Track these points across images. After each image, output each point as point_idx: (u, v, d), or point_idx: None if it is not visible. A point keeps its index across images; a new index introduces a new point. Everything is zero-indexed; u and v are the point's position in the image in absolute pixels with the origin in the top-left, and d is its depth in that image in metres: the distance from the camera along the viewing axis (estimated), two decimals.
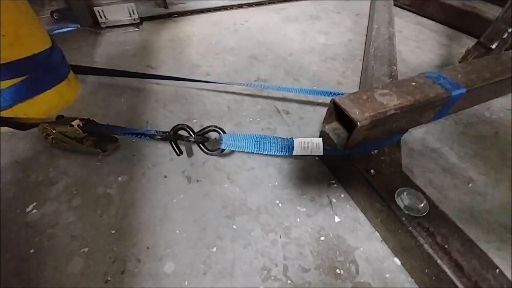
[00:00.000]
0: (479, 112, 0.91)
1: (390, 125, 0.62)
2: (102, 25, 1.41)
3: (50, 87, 0.84)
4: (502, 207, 0.65)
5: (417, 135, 0.82)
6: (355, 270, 0.54)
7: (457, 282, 0.43)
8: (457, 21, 1.45)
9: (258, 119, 0.87)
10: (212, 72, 1.10)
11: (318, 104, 0.94)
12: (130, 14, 1.43)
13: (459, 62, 1.09)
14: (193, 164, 0.73)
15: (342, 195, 0.66)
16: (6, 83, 0.73)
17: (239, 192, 0.67)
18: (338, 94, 0.77)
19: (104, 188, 0.67)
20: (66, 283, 0.51)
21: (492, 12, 1.31)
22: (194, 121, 0.86)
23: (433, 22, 1.55)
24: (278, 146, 0.64)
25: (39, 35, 0.81)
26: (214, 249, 0.56)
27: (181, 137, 0.67)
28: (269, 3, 1.77)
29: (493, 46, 0.95)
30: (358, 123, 0.54)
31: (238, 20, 1.54)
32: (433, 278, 0.47)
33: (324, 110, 0.80)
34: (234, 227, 0.60)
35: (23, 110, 0.79)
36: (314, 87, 1.02)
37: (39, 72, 0.79)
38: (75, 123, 0.68)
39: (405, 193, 0.53)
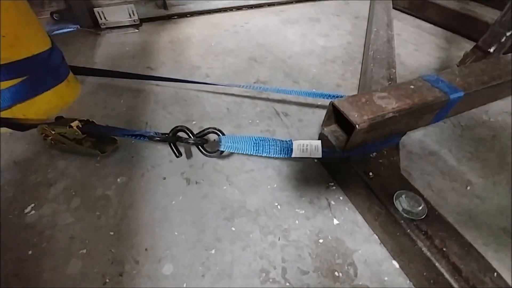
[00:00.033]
0: (477, 115, 0.92)
1: (388, 128, 0.62)
2: (102, 26, 1.42)
3: (50, 88, 0.84)
4: (500, 210, 0.65)
5: (416, 138, 0.82)
6: (353, 272, 0.54)
7: (455, 285, 0.43)
8: (455, 24, 1.45)
9: (257, 121, 0.88)
10: (212, 73, 1.10)
11: (317, 106, 0.95)
12: (130, 15, 1.43)
13: (457, 66, 1.09)
14: (192, 166, 0.73)
15: (341, 198, 0.67)
16: (6, 84, 0.73)
17: (238, 194, 0.67)
18: (337, 97, 0.77)
19: (103, 190, 0.67)
20: (65, 285, 0.51)
21: (491, 15, 1.32)
22: (194, 122, 0.86)
23: (432, 25, 1.56)
24: (277, 148, 0.64)
25: (39, 36, 0.81)
26: (213, 251, 0.56)
27: (180, 139, 0.67)
28: (269, 5, 1.78)
29: (491, 50, 0.95)
30: (357, 126, 0.54)
31: (238, 22, 1.54)
32: (431, 281, 0.47)
33: (323, 112, 0.80)
34: (233, 229, 0.60)
35: (22, 110, 0.79)
36: (314, 90, 1.03)
37: (39, 73, 0.79)
38: (74, 124, 0.68)
39: (403, 196, 0.53)
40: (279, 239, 0.58)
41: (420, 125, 0.72)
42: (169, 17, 1.58)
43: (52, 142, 0.72)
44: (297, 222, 0.61)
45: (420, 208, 0.51)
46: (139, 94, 0.98)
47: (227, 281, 0.52)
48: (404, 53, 1.28)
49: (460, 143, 0.82)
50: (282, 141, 0.65)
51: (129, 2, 1.44)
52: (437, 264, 0.45)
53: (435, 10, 1.53)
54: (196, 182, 0.69)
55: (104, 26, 1.42)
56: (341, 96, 0.75)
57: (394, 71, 0.95)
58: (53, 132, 0.69)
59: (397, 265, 0.55)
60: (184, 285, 0.51)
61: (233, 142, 0.65)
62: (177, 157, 0.68)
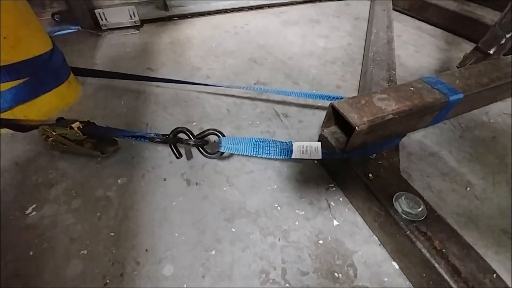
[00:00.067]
0: (477, 117, 0.92)
1: (388, 129, 0.62)
2: (102, 27, 1.42)
3: (51, 89, 0.84)
4: (500, 211, 0.65)
5: (416, 139, 0.82)
6: (353, 273, 0.54)
7: (454, 286, 0.43)
8: (456, 25, 1.46)
9: (258, 122, 0.88)
10: (212, 75, 1.11)
11: (317, 107, 0.95)
12: (131, 17, 1.44)
13: (457, 67, 1.10)
14: (192, 167, 0.73)
15: (341, 199, 0.67)
16: (7, 85, 0.73)
17: (238, 195, 0.67)
18: (337, 98, 0.78)
19: (104, 191, 0.67)
20: (65, 285, 0.51)
21: (491, 17, 1.33)
22: (194, 123, 0.87)
23: (432, 26, 1.57)
24: (277, 150, 0.64)
25: (40, 37, 0.81)
26: (213, 252, 0.56)
27: (181, 140, 0.67)
28: (269, 7, 1.78)
29: (491, 52, 0.96)
30: (357, 127, 0.54)
31: (238, 23, 1.55)
32: (431, 282, 0.47)
33: (323, 114, 0.80)
34: (233, 230, 0.60)
35: (23, 111, 0.80)
36: (314, 91, 1.03)
37: (40, 74, 0.79)
38: (75, 125, 0.68)
39: (403, 197, 0.53)
40: (279, 240, 0.58)
41: (419, 126, 0.72)
42: (170, 18, 1.58)
43: (53, 143, 0.72)
44: (297, 223, 0.62)
45: (420, 209, 0.51)
46: (139, 95, 0.98)
47: (227, 282, 0.52)
48: (404, 54, 1.28)
49: (460, 144, 0.82)
50: (282, 142, 0.65)
51: (130, 3, 1.44)
52: (436, 265, 0.45)
53: (435, 11, 1.53)
54: (196, 183, 0.69)
55: (105, 27, 1.42)
56: (341, 98, 0.75)
57: (394, 72, 0.96)
58: (54, 133, 0.69)
59: (396, 266, 0.55)
60: (184, 286, 0.51)
61: (233, 144, 0.65)
62: (177, 158, 0.68)
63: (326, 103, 0.91)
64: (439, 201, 0.66)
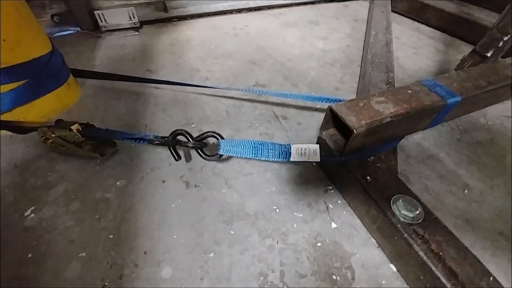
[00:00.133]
0: (475, 119, 0.92)
1: (386, 132, 0.62)
2: (102, 29, 1.42)
3: (50, 91, 0.84)
4: (498, 214, 0.65)
5: (414, 141, 0.83)
6: (351, 276, 0.54)
7: None
8: (454, 27, 1.46)
9: (256, 124, 0.88)
10: (212, 76, 1.11)
11: (316, 109, 0.95)
12: (130, 18, 1.44)
13: (455, 70, 1.10)
14: (191, 169, 0.73)
15: (339, 201, 0.67)
16: (7, 87, 0.73)
17: (237, 198, 0.67)
18: (336, 101, 0.78)
19: (103, 193, 0.67)
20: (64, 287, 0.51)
21: (489, 19, 1.33)
22: (193, 125, 0.87)
23: (431, 28, 1.57)
24: (276, 152, 0.64)
25: (40, 39, 0.82)
26: (212, 254, 0.56)
27: (180, 142, 0.67)
28: (268, 8, 1.79)
29: (489, 54, 0.96)
30: (355, 130, 0.55)
31: (237, 25, 1.55)
32: (428, 285, 0.47)
33: (321, 116, 0.80)
34: (232, 232, 0.60)
35: (23, 113, 0.80)
36: (312, 93, 1.03)
37: (40, 76, 0.80)
38: (74, 127, 0.68)
39: (400, 200, 0.53)
40: (277, 243, 0.59)
41: (417, 129, 0.73)
42: (169, 20, 1.58)
43: (52, 145, 0.72)
44: (295, 225, 0.62)
45: (417, 212, 0.52)
46: (139, 97, 0.98)
47: (226, 284, 0.52)
48: (402, 56, 1.28)
49: (458, 146, 0.82)
50: (281, 145, 0.65)
51: (130, 4, 1.44)
52: (433, 268, 0.45)
53: (434, 13, 1.53)
54: (195, 186, 0.69)
55: (105, 29, 1.43)
56: (340, 100, 0.76)
57: (392, 74, 0.96)
58: (53, 135, 0.69)
59: (394, 269, 0.55)
60: None
61: (232, 146, 0.66)
62: (176, 160, 0.68)
63: (325, 105, 0.90)
64: (437, 204, 0.67)
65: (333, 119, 0.65)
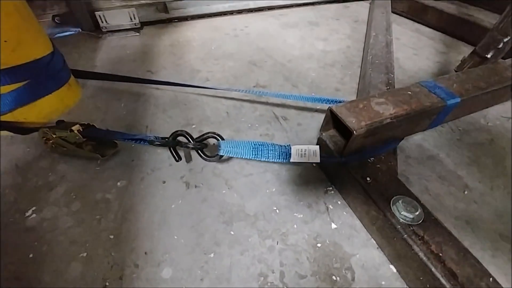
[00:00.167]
0: (476, 120, 0.92)
1: (386, 133, 0.63)
2: (103, 30, 1.43)
3: (51, 91, 0.84)
4: (498, 215, 0.66)
5: (414, 142, 0.83)
6: (351, 277, 0.54)
7: None
8: (454, 28, 1.46)
9: (257, 125, 0.88)
10: (212, 77, 1.11)
11: (316, 110, 0.95)
12: (131, 19, 1.45)
13: (455, 71, 1.10)
14: (191, 170, 0.73)
15: (339, 202, 0.67)
16: (8, 88, 0.74)
17: (237, 198, 0.67)
18: (336, 102, 0.78)
19: (103, 193, 0.67)
20: None
21: (489, 20, 1.33)
22: (193, 126, 0.87)
23: (431, 29, 1.57)
24: (276, 153, 0.65)
25: (41, 40, 0.82)
26: (212, 255, 0.57)
27: (180, 143, 0.67)
28: (269, 9, 1.79)
29: (489, 56, 0.96)
30: (354, 131, 0.55)
31: (238, 26, 1.55)
32: (428, 285, 0.47)
33: (322, 116, 0.81)
34: (232, 233, 0.60)
35: (24, 114, 0.80)
36: (313, 94, 1.04)
37: (41, 77, 0.80)
38: (75, 128, 0.69)
39: (400, 201, 0.53)
40: (277, 243, 0.59)
41: (417, 130, 0.73)
42: (170, 21, 1.59)
43: (53, 145, 0.72)
44: (295, 226, 0.62)
45: (417, 213, 0.52)
46: (139, 98, 0.99)
47: (226, 285, 0.52)
48: (403, 57, 1.29)
49: (458, 147, 0.82)
50: (281, 146, 0.66)
51: (130, 5, 1.45)
52: (433, 269, 0.45)
53: (434, 14, 1.54)
54: (196, 186, 0.70)
55: (105, 30, 1.43)
56: (340, 101, 0.76)
57: (392, 76, 0.96)
58: (54, 136, 0.70)
59: (394, 270, 0.55)
60: None
61: (232, 147, 0.66)
62: (176, 161, 0.68)
63: (325, 106, 0.91)
64: (437, 205, 0.67)
65: (333, 120, 0.65)
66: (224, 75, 1.13)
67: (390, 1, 1.70)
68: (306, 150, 0.63)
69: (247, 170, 0.74)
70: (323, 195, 0.69)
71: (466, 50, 1.33)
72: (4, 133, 0.79)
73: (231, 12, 1.70)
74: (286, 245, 0.58)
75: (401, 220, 0.51)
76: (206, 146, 0.68)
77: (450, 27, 1.48)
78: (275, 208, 0.65)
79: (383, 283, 0.53)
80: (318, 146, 0.64)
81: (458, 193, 0.70)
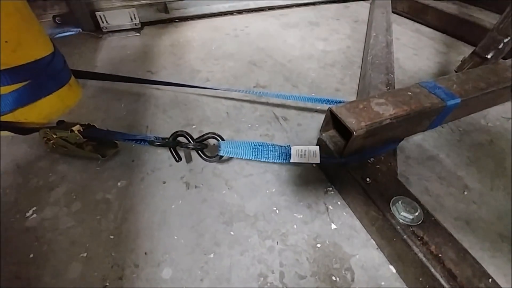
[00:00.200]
0: (476, 120, 0.92)
1: (386, 134, 0.63)
2: (103, 30, 1.43)
3: (52, 92, 0.84)
4: (497, 216, 0.66)
5: (414, 143, 0.83)
6: (350, 277, 0.54)
7: None
8: (455, 28, 1.46)
9: (257, 126, 0.88)
10: (212, 77, 1.11)
11: (316, 110, 0.95)
12: (132, 19, 1.45)
13: (455, 71, 1.10)
14: (191, 170, 0.73)
15: (339, 203, 0.67)
16: (8, 88, 0.74)
17: (237, 199, 0.67)
18: (336, 102, 0.78)
19: (104, 193, 0.67)
20: None
21: (490, 20, 1.33)
22: (193, 126, 0.87)
23: (431, 29, 1.57)
24: (276, 154, 0.65)
25: (42, 41, 0.82)
26: (212, 255, 0.57)
27: (180, 144, 0.67)
28: (269, 9, 1.79)
29: (489, 56, 0.96)
30: (354, 132, 0.55)
31: (238, 26, 1.55)
32: (427, 286, 0.47)
33: (322, 117, 0.81)
34: (232, 233, 0.60)
35: (24, 114, 0.80)
36: (313, 94, 1.04)
37: (41, 77, 0.80)
38: (75, 128, 0.69)
39: (400, 201, 0.54)
40: (277, 244, 0.59)
41: (417, 131, 0.73)
42: (170, 21, 1.59)
43: (54, 146, 0.72)
44: (295, 226, 0.62)
45: (417, 213, 0.52)
46: (139, 98, 0.99)
47: (226, 285, 0.52)
48: (403, 57, 1.29)
49: (458, 148, 0.82)
50: (281, 146, 0.66)
51: (131, 6, 1.45)
52: (432, 270, 0.46)
53: (435, 14, 1.54)
54: (196, 187, 0.70)
55: (106, 30, 1.43)
56: (340, 101, 0.76)
57: (392, 76, 0.96)
58: (54, 136, 0.70)
59: (393, 270, 0.55)
60: None
61: (232, 147, 0.66)
62: (176, 161, 0.68)
63: (325, 106, 0.91)
64: (437, 205, 0.67)
65: (333, 120, 0.65)
66: (224, 75, 1.13)
67: (390, 1, 1.70)
68: (306, 150, 0.63)
69: (247, 171, 0.74)
70: (323, 195, 0.69)
71: (466, 50, 1.33)
72: (5, 133, 0.80)
73: (231, 12, 1.71)
74: (286, 246, 0.59)
75: (401, 220, 0.52)
76: (206, 147, 0.69)
77: (451, 27, 1.48)
78: (275, 208, 0.65)
79: (382, 283, 0.54)
80: (318, 147, 0.64)
81: (458, 193, 0.70)
